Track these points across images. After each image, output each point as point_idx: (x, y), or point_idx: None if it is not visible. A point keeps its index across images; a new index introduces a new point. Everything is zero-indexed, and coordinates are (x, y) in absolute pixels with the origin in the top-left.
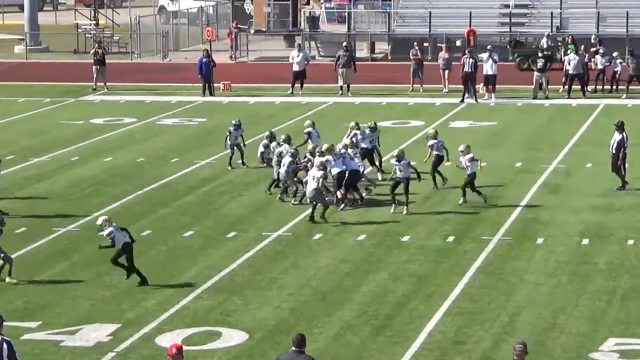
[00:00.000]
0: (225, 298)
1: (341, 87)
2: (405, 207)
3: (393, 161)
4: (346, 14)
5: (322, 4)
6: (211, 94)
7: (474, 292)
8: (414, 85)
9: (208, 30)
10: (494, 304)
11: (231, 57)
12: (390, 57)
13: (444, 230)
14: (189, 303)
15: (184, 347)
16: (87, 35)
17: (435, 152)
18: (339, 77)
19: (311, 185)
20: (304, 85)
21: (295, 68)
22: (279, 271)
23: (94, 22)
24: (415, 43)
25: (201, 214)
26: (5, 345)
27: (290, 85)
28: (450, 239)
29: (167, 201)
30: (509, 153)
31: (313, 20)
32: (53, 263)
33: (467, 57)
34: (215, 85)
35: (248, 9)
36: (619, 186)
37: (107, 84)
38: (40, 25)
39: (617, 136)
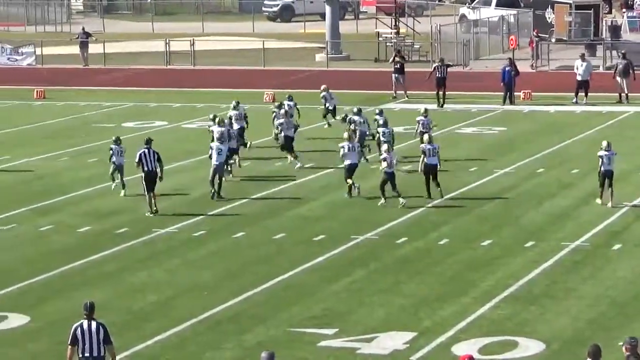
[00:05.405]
0: (523, 307)
1: (620, 95)
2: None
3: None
4: None
5: (624, 13)
6: (512, 103)
7: None
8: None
9: (511, 39)
10: None
11: (532, 65)
12: None
13: None
14: (486, 312)
15: (481, 357)
16: (387, 44)
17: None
18: (618, 85)
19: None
20: (589, 94)
21: (579, 78)
22: (576, 281)
23: (395, 30)
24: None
25: (500, 223)
26: (101, 329)
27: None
28: None
29: (467, 210)
30: None
31: (615, 30)
32: (351, 270)
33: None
34: (515, 94)
35: (549, 18)
36: None
37: (407, 92)
38: (341, 34)
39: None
